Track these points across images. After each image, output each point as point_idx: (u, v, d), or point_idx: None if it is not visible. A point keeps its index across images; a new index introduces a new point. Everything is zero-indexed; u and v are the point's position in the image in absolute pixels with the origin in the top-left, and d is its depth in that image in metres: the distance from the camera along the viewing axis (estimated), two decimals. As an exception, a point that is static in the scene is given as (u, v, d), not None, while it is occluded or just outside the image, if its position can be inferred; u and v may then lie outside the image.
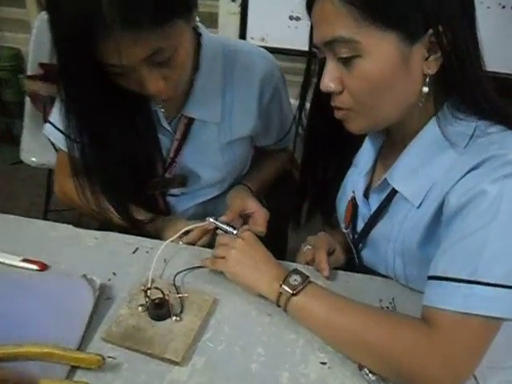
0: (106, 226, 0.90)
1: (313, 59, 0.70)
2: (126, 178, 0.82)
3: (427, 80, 0.60)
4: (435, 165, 0.64)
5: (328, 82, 0.62)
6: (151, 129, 0.84)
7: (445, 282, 0.55)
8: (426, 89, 0.61)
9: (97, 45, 0.61)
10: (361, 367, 0.60)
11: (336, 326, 0.60)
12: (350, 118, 0.64)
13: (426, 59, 0.59)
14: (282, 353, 0.62)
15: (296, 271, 0.65)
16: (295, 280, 0.63)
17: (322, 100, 0.67)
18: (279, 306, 0.65)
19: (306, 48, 0.69)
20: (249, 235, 0.73)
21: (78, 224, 0.84)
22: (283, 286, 0.63)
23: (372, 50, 0.57)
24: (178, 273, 0.74)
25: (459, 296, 0.53)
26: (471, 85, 0.60)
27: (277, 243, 0.86)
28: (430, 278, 0.58)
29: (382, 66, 0.58)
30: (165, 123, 0.86)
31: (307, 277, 0.64)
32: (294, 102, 1.07)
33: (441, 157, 0.63)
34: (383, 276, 0.77)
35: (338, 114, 0.65)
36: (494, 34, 1.57)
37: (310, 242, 0.81)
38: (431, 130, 0.64)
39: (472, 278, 0.53)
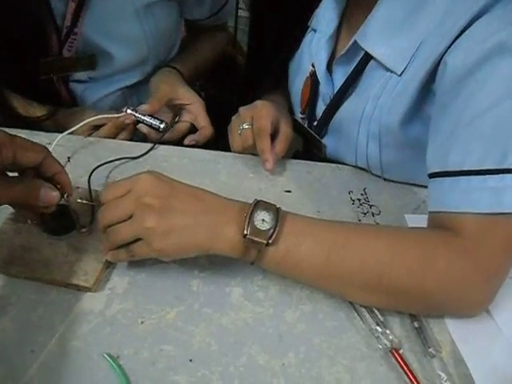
0: None
1: None
2: (3, 57, 0.65)
3: None
4: (425, 14, 0.49)
5: None
6: None
7: (464, 178, 0.42)
8: None
9: None
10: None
11: (342, 270, 0.43)
12: None
13: None
14: (230, 263, 0.48)
15: (258, 205, 0.43)
16: (263, 221, 0.42)
17: None
18: (252, 263, 0.44)
19: None
20: (147, 173, 0.44)
21: None
22: (249, 236, 0.42)
23: None
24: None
25: (488, 192, 0.41)
26: None
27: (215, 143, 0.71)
28: (437, 174, 0.45)
29: None
30: None
31: (277, 209, 0.43)
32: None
33: (434, 2, 0.49)
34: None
35: None
36: None
37: (246, 118, 0.61)
38: None
39: (502, 166, 0.41)
